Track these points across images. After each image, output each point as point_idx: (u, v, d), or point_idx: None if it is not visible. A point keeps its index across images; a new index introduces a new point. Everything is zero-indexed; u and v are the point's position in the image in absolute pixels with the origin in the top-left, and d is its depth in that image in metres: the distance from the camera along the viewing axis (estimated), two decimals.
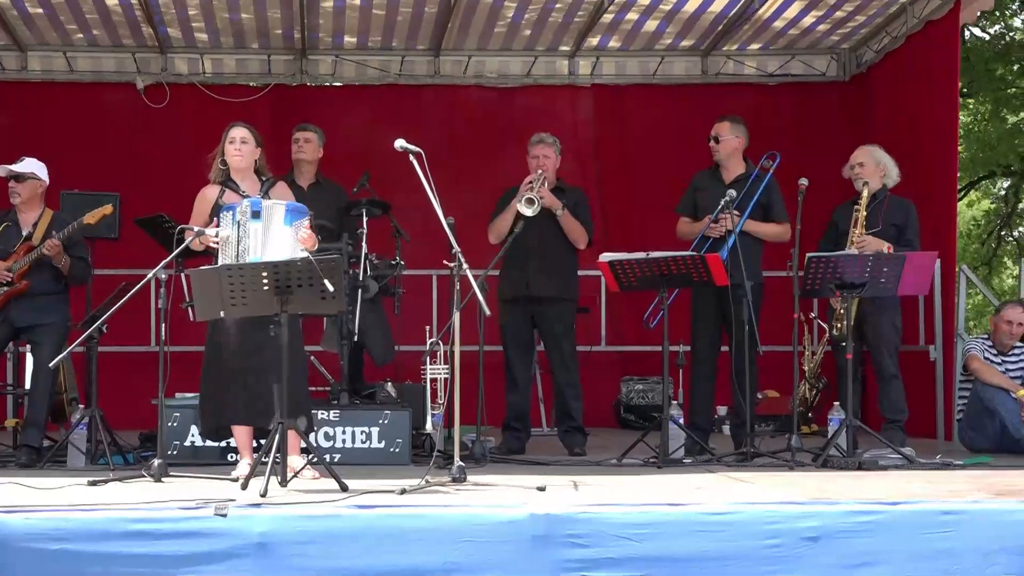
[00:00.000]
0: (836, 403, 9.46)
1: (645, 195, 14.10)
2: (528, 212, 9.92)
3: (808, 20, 13.38)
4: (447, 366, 9.64)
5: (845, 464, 8.79)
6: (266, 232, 8.04)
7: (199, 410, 8.49)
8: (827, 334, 12.22)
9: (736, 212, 9.77)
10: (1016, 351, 10.73)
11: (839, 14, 13.16)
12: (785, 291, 9.63)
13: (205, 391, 8.39)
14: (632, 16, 13.36)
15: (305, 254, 7.77)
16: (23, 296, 9.50)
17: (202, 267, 7.81)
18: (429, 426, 9.56)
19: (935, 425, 11.80)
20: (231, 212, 8.14)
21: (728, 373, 9.78)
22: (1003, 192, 27.97)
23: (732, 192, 9.73)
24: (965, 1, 11.77)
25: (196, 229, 8.22)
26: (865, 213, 9.97)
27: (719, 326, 10.05)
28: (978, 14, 12.50)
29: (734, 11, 13.05)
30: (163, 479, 7.84)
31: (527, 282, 10.24)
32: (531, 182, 10.10)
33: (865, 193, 10.00)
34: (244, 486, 7.29)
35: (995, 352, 10.70)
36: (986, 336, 10.90)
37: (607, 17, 13.32)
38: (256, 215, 8.06)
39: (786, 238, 10.09)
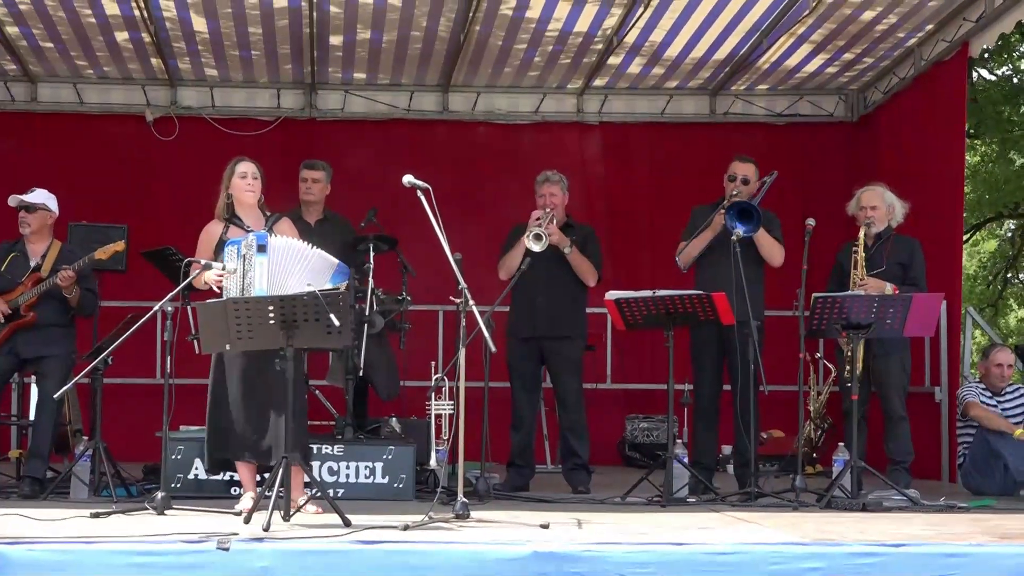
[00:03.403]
0: (841, 444, 9.46)
1: (653, 233, 14.10)
2: (536, 248, 9.93)
3: (817, 62, 13.42)
4: (452, 402, 9.63)
5: (849, 505, 8.78)
6: (302, 275, 8.07)
7: (205, 444, 8.47)
8: (832, 374, 12.23)
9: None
10: (1009, 391, 10.74)
11: (847, 55, 13.19)
12: (791, 331, 9.64)
13: (210, 425, 8.37)
14: (640, 60, 13.41)
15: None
16: (29, 327, 9.52)
17: (208, 300, 7.83)
18: (433, 462, 9.55)
19: (939, 467, 11.78)
20: (235, 247, 8.15)
21: (732, 412, 9.78)
22: (1009, 234, 27.95)
23: (739, 231, 9.71)
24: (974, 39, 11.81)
25: (203, 262, 8.22)
26: (864, 254, 9.98)
27: (721, 365, 10.05)
28: (985, 53, 12.52)
29: (742, 53, 13.08)
30: (166, 512, 7.85)
31: (535, 320, 10.24)
32: (539, 219, 10.11)
33: (862, 234, 10.02)
34: (247, 520, 7.29)
35: (989, 395, 10.70)
36: (978, 380, 10.90)
37: (615, 60, 13.36)
38: (262, 249, 8.08)
39: (779, 257, 10.02)
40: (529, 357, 10.36)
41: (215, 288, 8.21)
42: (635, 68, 13.69)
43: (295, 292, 7.76)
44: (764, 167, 10.31)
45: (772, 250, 10.02)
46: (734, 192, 9.99)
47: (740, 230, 9.71)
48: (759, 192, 10.17)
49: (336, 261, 8.27)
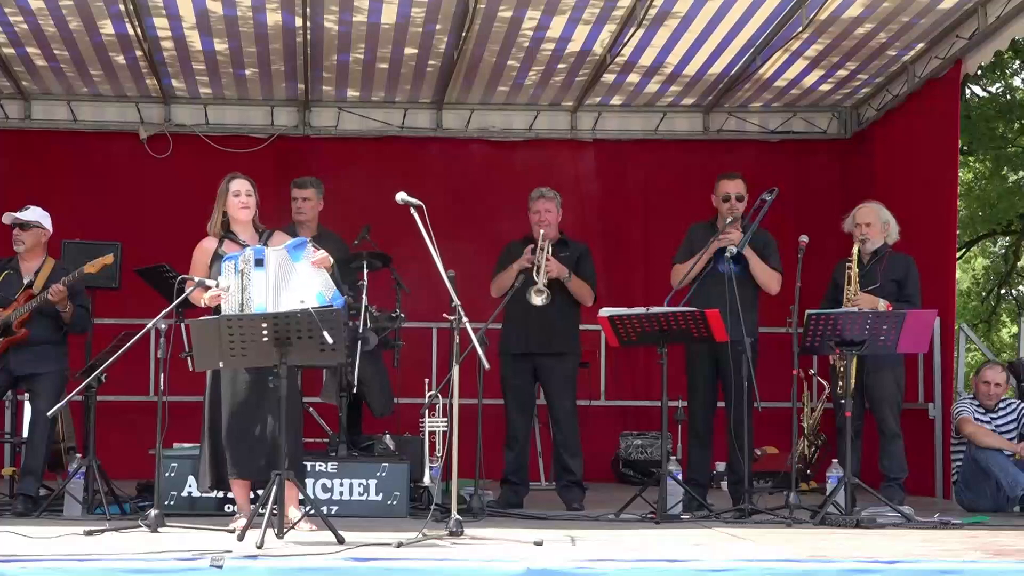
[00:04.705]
0: (835, 460, 9.46)
1: (646, 250, 14.13)
2: (538, 302, 9.88)
3: (810, 79, 13.44)
4: (446, 419, 9.64)
5: (843, 522, 8.77)
6: (283, 279, 8.06)
7: (204, 462, 8.45)
8: (826, 391, 12.23)
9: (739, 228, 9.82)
10: (1002, 407, 10.73)
11: (841, 72, 13.21)
12: (784, 348, 9.64)
13: (208, 443, 8.36)
14: (634, 78, 13.43)
15: (326, 277, 7.92)
16: (22, 345, 9.52)
17: (202, 317, 7.82)
18: (427, 479, 9.54)
19: (933, 483, 11.77)
20: (232, 262, 8.14)
21: (726, 429, 9.79)
22: (1003, 251, 28.01)
23: (733, 248, 9.73)
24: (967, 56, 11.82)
25: (197, 279, 8.22)
26: (858, 271, 9.99)
27: (715, 382, 10.05)
28: (978, 70, 12.53)
29: (736, 69, 13.10)
30: (159, 529, 7.84)
31: (529, 337, 10.23)
32: (535, 263, 10.02)
33: (856, 251, 10.04)
34: (240, 537, 7.27)
35: (983, 411, 10.69)
36: (972, 396, 10.89)
37: (609, 77, 13.38)
38: (259, 263, 8.08)
39: (775, 287, 10.07)
40: (523, 374, 10.37)
41: (208, 304, 8.21)
42: (629, 85, 13.71)
43: (294, 303, 7.78)
44: (758, 184, 10.31)
45: (769, 282, 10.05)
46: (729, 219, 9.91)
47: (733, 269, 9.70)
48: (760, 213, 10.11)
49: (282, 247, 8.24)
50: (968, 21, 11.54)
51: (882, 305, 9.77)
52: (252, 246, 8.28)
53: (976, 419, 10.62)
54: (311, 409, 10.87)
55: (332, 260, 8.33)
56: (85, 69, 13.15)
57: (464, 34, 12.07)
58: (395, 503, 9.48)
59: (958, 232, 16.15)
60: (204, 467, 8.42)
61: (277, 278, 8.09)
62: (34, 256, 9.73)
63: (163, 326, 8.08)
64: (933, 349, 11.68)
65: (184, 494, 9.40)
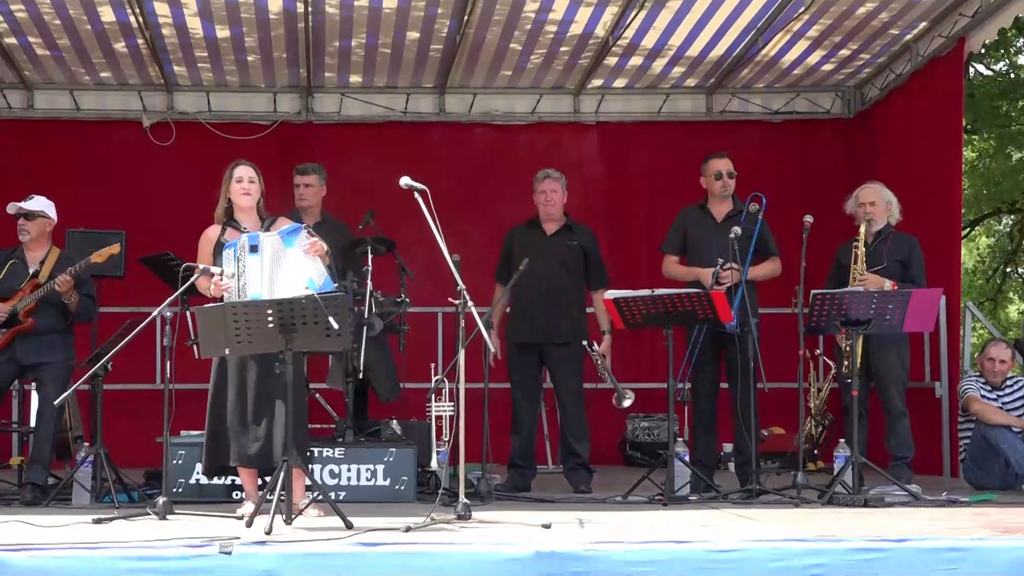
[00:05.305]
0: (842, 440, 9.46)
1: (650, 232, 14.09)
2: (627, 403, 9.89)
3: (813, 59, 13.42)
4: (452, 403, 9.63)
5: (851, 501, 8.77)
6: (276, 264, 8.06)
7: (203, 448, 8.46)
8: (832, 371, 12.23)
9: (736, 266, 9.72)
10: (1009, 384, 10.70)
11: (844, 52, 13.19)
12: (789, 328, 9.63)
13: (209, 430, 8.36)
14: (636, 60, 13.41)
15: (319, 264, 7.92)
16: (28, 334, 9.51)
17: (207, 304, 7.82)
18: (434, 463, 9.55)
19: (941, 462, 11.77)
20: (232, 249, 8.15)
21: (732, 410, 9.78)
22: (1008, 229, 27.99)
23: (737, 229, 9.69)
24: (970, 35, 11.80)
25: (202, 267, 8.22)
26: (864, 250, 9.99)
27: (719, 363, 10.05)
28: (982, 48, 12.51)
29: (738, 50, 13.08)
30: (168, 517, 7.85)
31: (535, 326, 10.22)
32: (601, 374, 10.04)
33: (862, 230, 10.03)
34: (249, 524, 7.29)
35: (989, 388, 10.68)
36: (979, 374, 10.88)
37: (611, 59, 13.36)
38: (254, 249, 8.07)
39: (778, 272, 10.10)
40: (529, 363, 10.34)
41: (213, 294, 8.20)
42: (631, 67, 13.70)
43: (292, 289, 7.78)
44: (762, 164, 10.32)
45: (772, 275, 10.10)
46: (720, 262, 9.79)
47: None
48: (757, 222, 10.06)
49: (275, 233, 8.24)
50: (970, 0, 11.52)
51: (887, 286, 9.77)
52: (249, 232, 8.28)
53: (983, 397, 10.61)
54: (317, 395, 10.87)
55: (326, 247, 8.31)
56: (87, 57, 13.14)
57: (466, 18, 12.06)
58: (402, 488, 9.49)
59: (963, 211, 16.10)
60: (204, 453, 8.44)
61: (272, 264, 8.09)
62: (39, 245, 9.73)
63: (168, 314, 8.08)
64: (939, 328, 11.67)
65: (192, 481, 9.40)
